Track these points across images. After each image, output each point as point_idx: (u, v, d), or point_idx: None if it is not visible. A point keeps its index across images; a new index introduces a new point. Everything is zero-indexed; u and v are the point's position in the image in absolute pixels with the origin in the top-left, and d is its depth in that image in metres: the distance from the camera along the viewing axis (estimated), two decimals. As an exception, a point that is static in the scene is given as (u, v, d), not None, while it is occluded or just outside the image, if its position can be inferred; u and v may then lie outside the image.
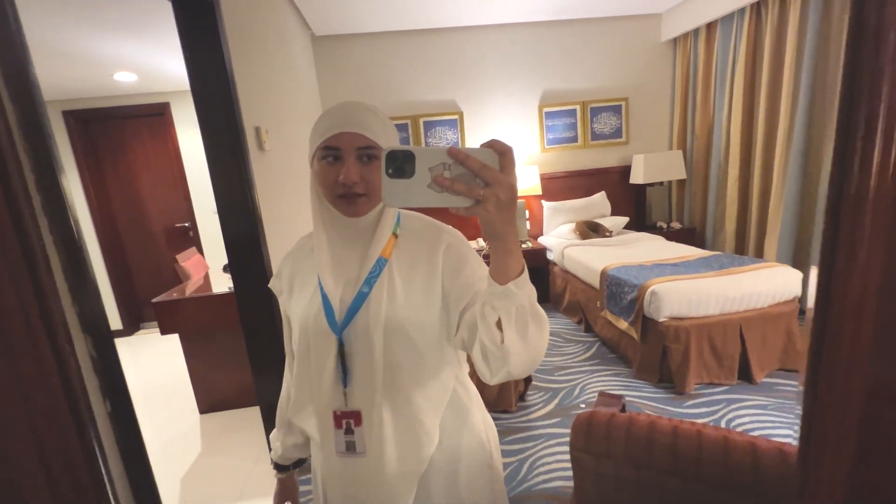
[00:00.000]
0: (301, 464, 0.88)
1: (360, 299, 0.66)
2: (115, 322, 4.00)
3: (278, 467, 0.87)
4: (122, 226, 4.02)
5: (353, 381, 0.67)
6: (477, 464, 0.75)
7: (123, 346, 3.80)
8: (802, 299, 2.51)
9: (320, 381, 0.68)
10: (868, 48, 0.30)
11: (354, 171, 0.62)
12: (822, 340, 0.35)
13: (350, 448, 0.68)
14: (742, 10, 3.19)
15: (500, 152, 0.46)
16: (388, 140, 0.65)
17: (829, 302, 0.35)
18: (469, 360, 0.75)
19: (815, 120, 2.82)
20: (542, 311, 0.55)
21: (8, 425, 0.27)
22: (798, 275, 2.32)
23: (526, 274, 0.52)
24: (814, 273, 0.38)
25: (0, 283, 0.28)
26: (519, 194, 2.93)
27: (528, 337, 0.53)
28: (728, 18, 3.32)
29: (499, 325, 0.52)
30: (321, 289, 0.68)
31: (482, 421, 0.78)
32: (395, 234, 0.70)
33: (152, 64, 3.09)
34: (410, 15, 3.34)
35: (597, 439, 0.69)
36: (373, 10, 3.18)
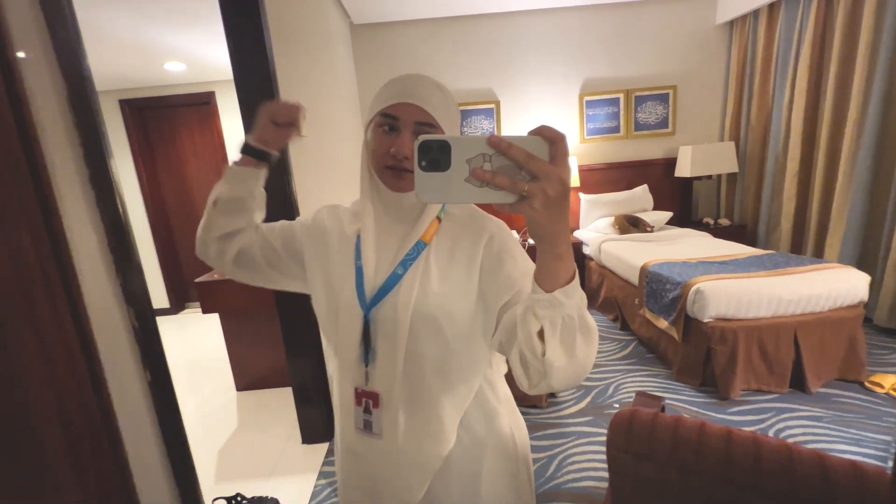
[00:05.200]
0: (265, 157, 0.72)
1: (392, 280, 0.64)
2: (162, 300, 4.23)
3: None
4: (171, 209, 4.24)
5: (376, 361, 0.65)
6: (500, 471, 0.71)
7: (170, 323, 4.02)
8: (869, 304, 2.29)
9: (345, 354, 0.67)
10: None
11: (408, 145, 0.59)
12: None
13: (367, 427, 0.66)
14: (811, -12, 2.92)
15: (551, 140, 0.40)
16: (449, 122, 0.62)
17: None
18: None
19: (893, 109, 2.54)
20: (591, 321, 0.49)
21: (30, 378, 0.27)
22: (865, 278, 2.12)
23: (576, 281, 0.46)
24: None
25: (20, 242, 0.27)
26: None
27: (574, 351, 0.47)
28: (794, -3, 3.05)
29: (541, 334, 0.47)
30: (356, 263, 0.66)
31: (510, 426, 0.73)
32: (438, 218, 0.67)
33: (199, 53, 3.20)
34: (448, 1, 3.28)
35: (639, 439, 0.64)
36: (411, -3, 3.15)
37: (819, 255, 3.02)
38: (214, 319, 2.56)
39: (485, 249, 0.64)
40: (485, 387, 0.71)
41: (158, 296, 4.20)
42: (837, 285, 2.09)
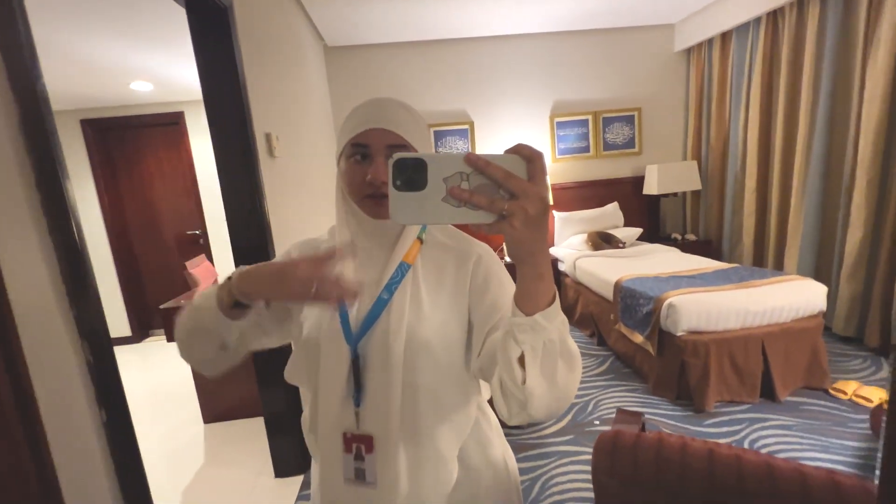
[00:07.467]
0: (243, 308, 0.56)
1: (379, 306, 0.60)
2: (123, 329, 4.00)
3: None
4: (135, 233, 4.06)
5: (367, 400, 0.60)
6: (496, 503, 0.69)
7: (132, 352, 3.79)
8: (827, 314, 2.41)
9: (329, 397, 0.61)
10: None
11: (384, 171, 0.57)
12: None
13: (359, 476, 0.61)
14: (757, 20, 3.14)
15: (528, 158, 0.39)
16: (421, 141, 0.61)
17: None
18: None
19: (837, 129, 2.74)
20: (573, 347, 0.47)
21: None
22: (822, 288, 2.23)
23: (557, 303, 0.45)
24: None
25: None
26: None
27: (556, 379, 0.45)
28: (743, 28, 3.28)
29: (522, 361, 0.45)
30: None
31: (503, 454, 0.71)
32: (420, 240, 0.65)
33: (168, 73, 3.13)
34: (422, 26, 3.36)
35: (623, 463, 0.63)
36: (385, 22, 3.20)
37: (779, 267, 3.16)
38: (180, 347, 2.43)
39: (473, 271, 0.62)
40: (478, 415, 0.69)
41: (119, 324, 3.98)
42: (798, 297, 2.18)
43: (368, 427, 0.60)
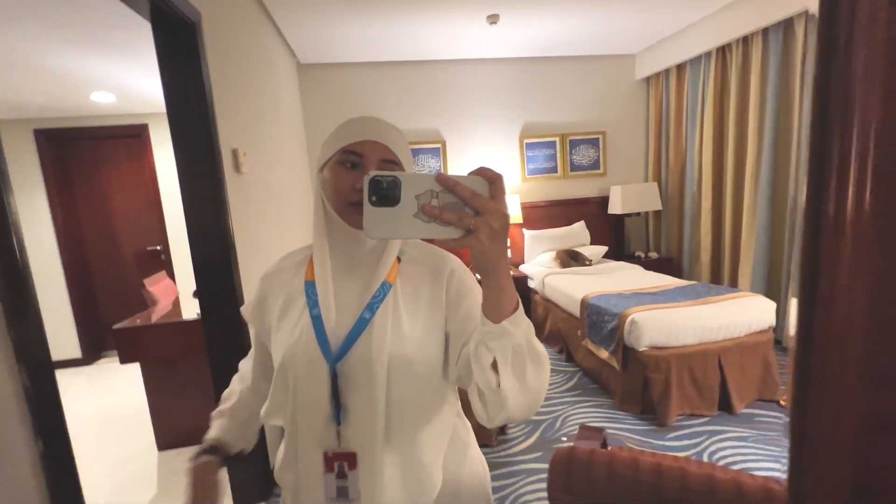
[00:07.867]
0: (230, 461, 0.77)
1: (360, 326, 0.60)
2: (73, 350, 3.76)
3: (205, 452, 0.74)
4: (91, 248, 3.85)
5: (349, 418, 0.60)
6: (477, 501, 0.71)
7: (81, 375, 3.56)
8: (777, 329, 2.55)
9: (310, 417, 0.61)
10: (838, 68, 0.29)
11: None
12: (807, 375, 0.33)
13: (342, 494, 0.60)
14: (708, 54, 3.38)
15: (490, 180, 0.44)
16: (407, 162, 0.63)
17: (811, 332, 0.32)
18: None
19: (781, 154, 2.95)
20: (540, 348, 0.51)
21: None
22: (771, 304, 2.36)
23: (521, 310, 0.49)
24: (793, 304, 0.36)
25: None
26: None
27: (526, 379, 0.49)
28: (696, 60, 3.52)
29: (494, 366, 0.49)
30: (311, 312, 0.62)
31: (478, 455, 0.74)
32: (398, 259, 0.66)
33: (131, 85, 3.05)
34: (395, 47, 3.42)
35: (578, 479, 0.65)
36: (358, 42, 3.25)
37: (735, 283, 3.33)
38: (134, 370, 2.30)
39: (447, 285, 0.65)
40: (457, 422, 0.70)
41: (68, 345, 3.73)
42: (750, 312, 2.30)
43: (351, 444, 0.61)
